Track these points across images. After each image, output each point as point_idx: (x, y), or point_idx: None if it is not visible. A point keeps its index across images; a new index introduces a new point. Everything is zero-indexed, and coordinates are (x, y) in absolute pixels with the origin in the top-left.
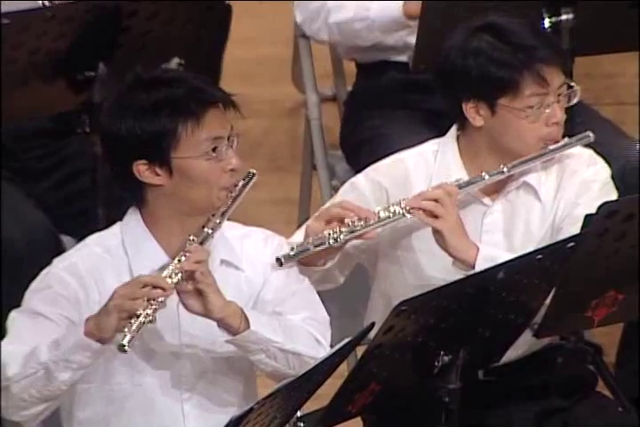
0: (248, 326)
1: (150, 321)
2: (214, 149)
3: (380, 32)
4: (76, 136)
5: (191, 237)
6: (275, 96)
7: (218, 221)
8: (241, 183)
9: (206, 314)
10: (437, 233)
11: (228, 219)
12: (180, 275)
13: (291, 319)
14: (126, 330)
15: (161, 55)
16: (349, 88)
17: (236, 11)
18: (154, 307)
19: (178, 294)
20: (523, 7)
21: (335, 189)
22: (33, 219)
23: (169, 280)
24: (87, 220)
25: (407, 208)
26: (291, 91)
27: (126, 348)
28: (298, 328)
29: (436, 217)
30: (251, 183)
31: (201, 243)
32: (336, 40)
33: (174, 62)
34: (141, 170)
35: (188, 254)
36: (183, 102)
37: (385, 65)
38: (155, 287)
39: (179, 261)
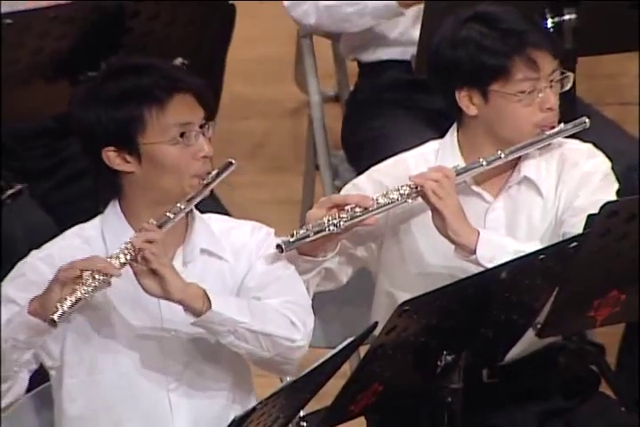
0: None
1: (87, 297)
2: (182, 135)
3: (371, 17)
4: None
5: (151, 220)
6: (277, 96)
7: (183, 206)
8: (215, 171)
9: (165, 296)
10: (438, 217)
11: (230, 216)
12: (129, 255)
13: (267, 303)
14: (58, 305)
15: (163, 55)
16: (352, 88)
17: (238, 10)
18: (93, 284)
19: (135, 275)
20: (525, 7)
21: (338, 189)
22: (35, 219)
23: (115, 261)
24: (89, 219)
25: (406, 192)
26: (293, 91)
27: (56, 322)
28: (270, 310)
29: (435, 199)
30: (226, 172)
31: (159, 226)
32: (324, 24)
33: (178, 62)
34: (111, 157)
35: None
36: (149, 89)
37: (387, 64)
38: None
39: (130, 241)
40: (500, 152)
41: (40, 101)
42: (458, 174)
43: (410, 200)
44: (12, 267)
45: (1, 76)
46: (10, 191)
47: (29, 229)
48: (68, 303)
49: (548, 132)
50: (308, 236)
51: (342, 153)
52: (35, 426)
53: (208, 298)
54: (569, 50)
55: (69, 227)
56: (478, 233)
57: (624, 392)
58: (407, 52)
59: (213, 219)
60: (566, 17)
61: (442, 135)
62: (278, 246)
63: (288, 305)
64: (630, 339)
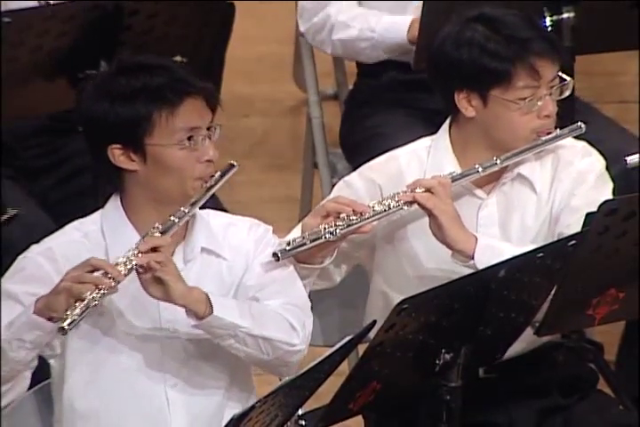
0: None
1: (95, 305)
2: (190, 138)
3: (384, 52)
4: (77, 134)
5: (156, 225)
6: (276, 95)
7: (187, 210)
8: (217, 174)
9: (168, 300)
10: (435, 225)
11: (223, 210)
12: (134, 262)
13: (267, 305)
14: (68, 313)
15: (162, 53)
16: (351, 87)
17: (238, 9)
18: (102, 292)
19: (140, 281)
20: (524, 6)
21: None
22: (33, 217)
23: (122, 267)
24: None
25: (402, 200)
26: (292, 89)
27: (66, 330)
28: (271, 314)
29: (432, 206)
30: (228, 174)
31: (163, 232)
32: (339, 55)
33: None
34: (116, 154)
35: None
36: (160, 90)
37: (386, 64)
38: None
39: (137, 247)
40: (495, 158)
41: (39, 99)
42: (454, 181)
43: (406, 207)
44: (11, 264)
45: (0, 74)
46: (4, 217)
47: (28, 228)
48: (78, 311)
49: (543, 138)
50: (305, 244)
51: (340, 151)
52: (35, 422)
53: (210, 302)
54: (567, 48)
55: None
56: (476, 239)
57: (623, 391)
58: (406, 54)
59: (212, 215)
60: (565, 15)
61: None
62: (274, 255)
63: (288, 307)
64: (630, 337)
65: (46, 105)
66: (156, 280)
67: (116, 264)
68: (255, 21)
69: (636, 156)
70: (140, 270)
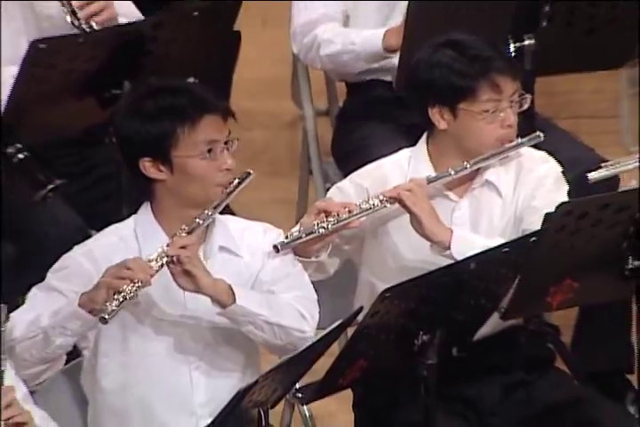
0: (236, 301)
1: (132, 297)
2: (210, 151)
3: (364, 62)
4: (104, 145)
5: (183, 226)
6: (275, 110)
7: (210, 213)
8: (236, 181)
9: (197, 291)
10: (415, 220)
11: (235, 214)
12: (165, 259)
13: (282, 297)
14: (108, 304)
15: (178, 75)
16: (341, 104)
17: (243, 36)
18: (137, 285)
19: (171, 275)
20: (492, 33)
21: (328, 191)
22: (65, 217)
23: (154, 263)
24: (113, 218)
25: (385, 199)
26: (290, 106)
27: (107, 319)
28: (285, 305)
29: (411, 204)
30: (246, 181)
31: (189, 232)
32: (328, 68)
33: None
34: (147, 166)
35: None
36: (182, 109)
37: (371, 84)
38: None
39: (167, 245)
40: (465, 163)
41: (70, 116)
42: (429, 182)
43: (388, 205)
44: (46, 259)
45: (32, 93)
46: (50, 186)
47: (60, 226)
48: (116, 303)
49: (507, 145)
50: (301, 237)
51: (332, 160)
52: (68, 398)
53: (233, 293)
54: (529, 71)
55: (96, 224)
56: (451, 231)
57: (577, 367)
58: (388, 74)
59: (229, 219)
60: (526, 42)
61: (415, 145)
62: (275, 247)
63: (299, 299)
64: (583, 321)
65: (76, 121)
66: (185, 273)
67: (150, 260)
68: (257, 46)
69: (597, 172)
70: (172, 265)
